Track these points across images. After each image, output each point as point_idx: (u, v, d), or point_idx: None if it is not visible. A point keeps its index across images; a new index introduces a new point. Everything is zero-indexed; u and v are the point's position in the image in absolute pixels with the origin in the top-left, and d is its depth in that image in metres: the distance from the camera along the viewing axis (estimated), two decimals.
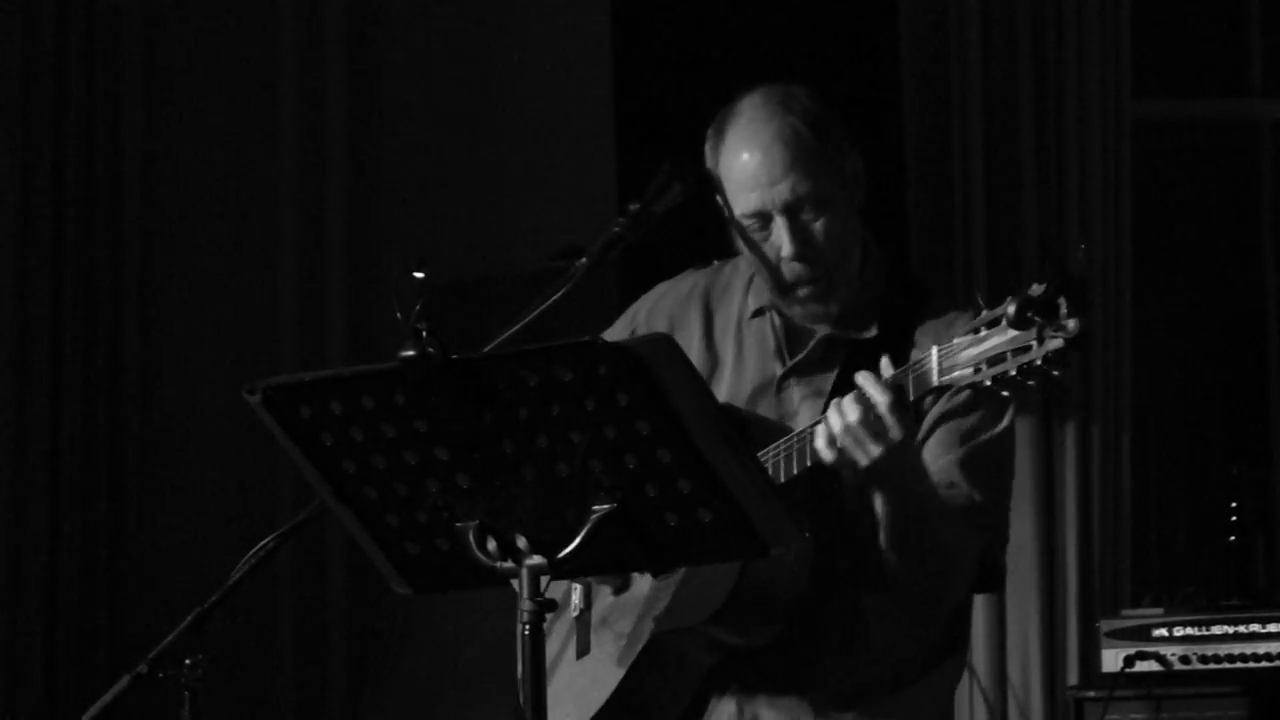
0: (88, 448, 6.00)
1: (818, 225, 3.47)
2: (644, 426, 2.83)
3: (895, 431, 3.21)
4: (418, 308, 2.83)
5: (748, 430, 3.45)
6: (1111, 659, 5.47)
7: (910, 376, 3.22)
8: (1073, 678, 5.95)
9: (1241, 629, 5.44)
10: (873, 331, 3.52)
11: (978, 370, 3.12)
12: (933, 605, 3.49)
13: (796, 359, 3.55)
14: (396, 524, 2.99)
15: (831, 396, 3.47)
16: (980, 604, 5.98)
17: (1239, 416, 6.59)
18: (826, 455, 3.25)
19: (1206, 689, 5.40)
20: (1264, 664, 5.42)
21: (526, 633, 2.90)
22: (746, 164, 3.47)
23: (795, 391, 3.54)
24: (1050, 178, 6.13)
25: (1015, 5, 6.15)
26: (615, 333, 3.70)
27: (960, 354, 3.15)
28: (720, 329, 3.65)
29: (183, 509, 6.08)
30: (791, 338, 3.58)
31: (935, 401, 3.42)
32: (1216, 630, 5.45)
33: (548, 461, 2.87)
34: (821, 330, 3.54)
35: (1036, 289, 3.03)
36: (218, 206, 6.17)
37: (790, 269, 3.48)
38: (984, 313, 3.14)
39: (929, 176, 6.16)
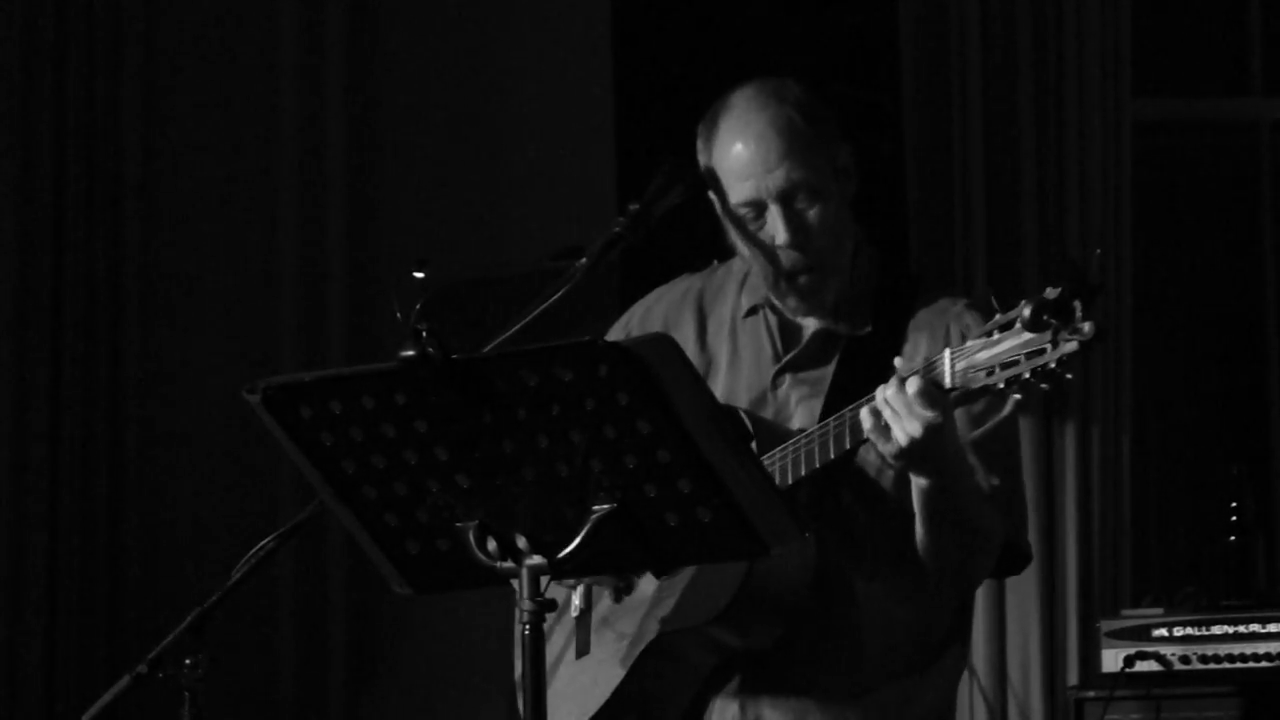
0: (88, 448, 6.00)
1: (812, 214, 3.48)
2: (644, 426, 2.83)
3: (919, 425, 3.19)
4: (418, 308, 2.83)
5: (752, 430, 3.45)
6: (1111, 659, 5.47)
7: (921, 377, 3.21)
8: (1073, 678, 5.94)
9: (1241, 629, 5.44)
10: (867, 327, 3.52)
11: (991, 373, 3.13)
12: (962, 585, 3.51)
13: (791, 354, 3.56)
14: (396, 524, 2.99)
15: (830, 392, 3.48)
16: (980, 604, 5.98)
17: (1239, 416, 6.59)
18: (867, 424, 3.23)
19: (1206, 689, 5.40)
20: (1264, 664, 5.42)
21: (526, 633, 2.90)
22: (740, 153, 3.48)
23: (790, 388, 3.55)
24: (1050, 177, 6.13)
25: (1015, 5, 6.14)
26: (610, 338, 3.70)
27: (973, 356, 3.15)
28: (714, 330, 3.66)
29: (183, 509, 6.08)
30: (785, 335, 3.58)
31: None
32: (1216, 630, 5.45)
33: (548, 461, 2.87)
34: (815, 324, 3.55)
35: (1051, 292, 3.03)
36: (218, 207, 6.17)
37: (785, 256, 3.49)
38: (997, 315, 3.14)
39: (929, 176, 6.16)
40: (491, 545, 2.92)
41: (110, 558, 6.01)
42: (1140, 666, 5.43)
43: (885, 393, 3.21)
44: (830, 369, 3.53)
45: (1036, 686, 6.01)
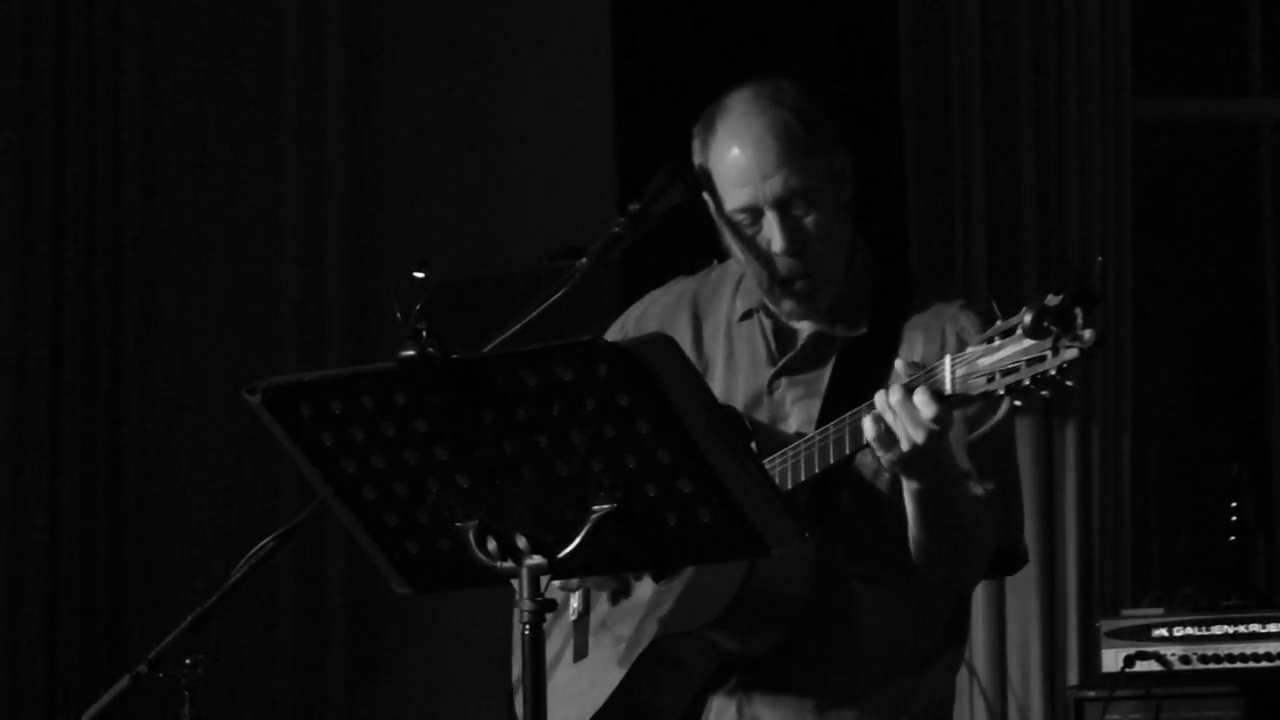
0: (88, 448, 6.00)
1: (809, 220, 3.47)
2: (644, 426, 2.83)
3: (922, 433, 3.19)
4: (418, 308, 2.83)
5: (753, 433, 3.45)
6: (1111, 659, 5.47)
7: (924, 384, 3.21)
8: (1073, 678, 5.94)
9: (1241, 629, 5.44)
10: (862, 329, 3.52)
11: (991, 379, 3.12)
12: (954, 587, 3.51)
13: (787, 358, 3.55)
14: (396, 524, 2.99)
15: (826, 395, 3.47)
16: (980, 604, 5.98)
17: (1239, 416, 6.59)
18: (870, 432, 3.23)
19: (1206, 689, 5.40)
20: (1264, 664, 5.41)
21: (526, 633, 2.90)
22: (738, 159, 3.47)
23: (786, 391, 3.54)
24: (1050, 178, 6.13)
25: (1015, 5, 6.14)
26: None
27: (974, 363, 3.14)
28: (709, 333, 3.65)
29: (183, 509, 6.08)
30: (781, 338, 3.57)
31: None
32: (1216, 630, 5.44)
33: (548, 461, 2.87)
34: (810, 327, 3.54)
35: (1053, 299, 3.02)
36: (218, 207, 6.17)
37: (781, 263, 3.48)
38: (998, 322, 3.13)
39: (929, 176, 6.16)
40: (491, 545, 2.92)
41: (110, 558, 6.01)
42: (1140, 666, 5.43)
43: (888, 400, 3.20)
44: (826, 371, 3.52)
45: (1036, 686, 6.01)
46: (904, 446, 3.19)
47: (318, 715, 6.06)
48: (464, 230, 6.16)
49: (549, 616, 2.94)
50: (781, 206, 3.45)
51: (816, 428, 3.41)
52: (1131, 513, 6.13)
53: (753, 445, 3.38)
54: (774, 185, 3.45)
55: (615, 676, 3.47)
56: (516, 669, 3.64)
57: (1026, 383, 3.08)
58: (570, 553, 2.88)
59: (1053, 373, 3.05)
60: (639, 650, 3.45)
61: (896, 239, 6.08)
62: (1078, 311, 3.01)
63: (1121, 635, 5.48)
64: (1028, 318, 3.05)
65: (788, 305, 3.54)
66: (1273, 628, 5.43)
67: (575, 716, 3.48)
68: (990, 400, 3.37)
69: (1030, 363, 3.07)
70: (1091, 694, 5.47)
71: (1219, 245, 6.66)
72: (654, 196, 3.53)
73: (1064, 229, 6.10)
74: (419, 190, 6.20)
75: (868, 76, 6.20)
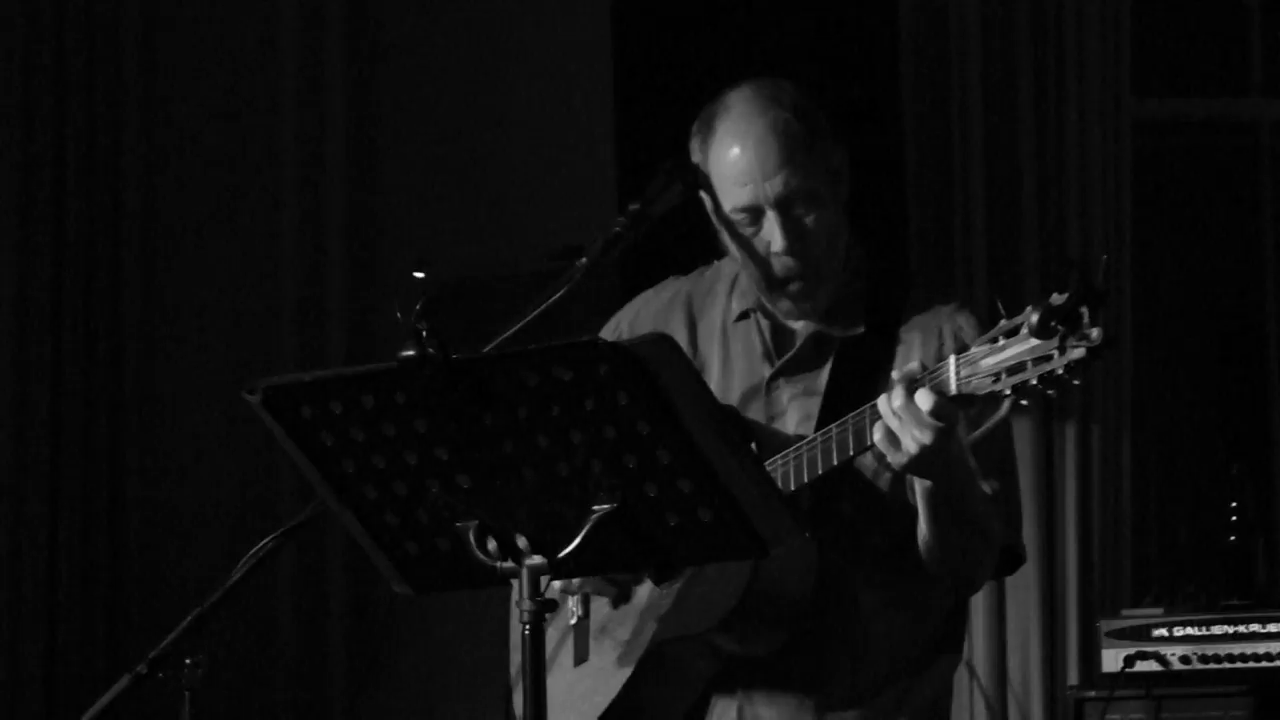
0: (88, 447, 6.00)
1: (809, 220, 3.46)
2: (644, 426, 2.82)
3: (929, 434, 3.18)
4: (418, 308, 2.83)
5: (753, 434, 3.45)
6: (1111, 659, 5.47)
7: (927, 385, 3.20)
8: (1073, 678, 5.95)
9: (1242, 629, 5.44)
10: (860, 328, 3.52)
11: (997, 379, 3.10)
12: (963, 588, 3.51)
13: (785, 358, 3.55)
14: (396, 524, 2.98)
15: (825, 395, 3.47)
16: (980, 604, 5.99)
17: (1239, 416, 6.59)
18: (877, 435, 3.22)
19: (1207, 689, 5.40)
20: (1264, 664, 5.42)
21: (527, 633, 2.90)
22: (739, 158, 3.46)
23: (784, 391, 3.54)
24: (1050, 178, 6.13)
25: (1015, 5, 6.15)
26: None
27: (979, 363, 3.13)
28: (705, 334, 3.64)
29: (183, 509, 6.08)
30: (778, 338, 3.57)
31: None
32: (1216, 630, 5.45)
33: (548, 461, 2.87)
34: (808, 327, 3.54)
35: (1058, 298, 3.00)
36: (218, 206, 6.17)
37: (780, 263, 3.48)
38: (1002, 321, 3.12)
39: (929, 176, 6.16)
40: (491, 545, 2.91)
41: (110, 558, 6.01)
42: (1140, 666, 5.44)
43: (892, 403, 3.19)
44: (825, 371, 3.51)
45: (1036, 686, 6.02)
46: (913, 449, 3.18)
47: (318, 715, 6.06)
48: (464, 230, 6.16)
49: (547, 616, 2.94)
50: (783, 206, 3.45)
51: (816, 427, 3.40)
52: (1131, 513, 6.13)
53: (753, 446, 3.38)
54: (775, 185, 3.44)
55: (617, 681, 3.47)
56: (514, 666, 3.64)
57: (1033, 382, 3.06)
58: (570, 553, 2.88)
59: (1060, 372, 3.03)
60: (641, 654, 3.44)
61: (896, 239, 6.09)
62: (1084, 310, 2.99)
63: (1121, 635, 5.49)
64: (1034, 317, 3.03)
65: (785, 305, 3.53)
66: (1273, 628, 5.43)
67: None
68: (991, 400, 3.37)
69: (1036, 362, 3.05)
70: (1091, 694, 5.48)
71: (1219, 245, 6.66)
72: (654, 196, 3.52)
73: (1064, 229, 6.10)
74: (419, 190, 6.20)
75: (868, 76, 6.20)
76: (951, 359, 3.16)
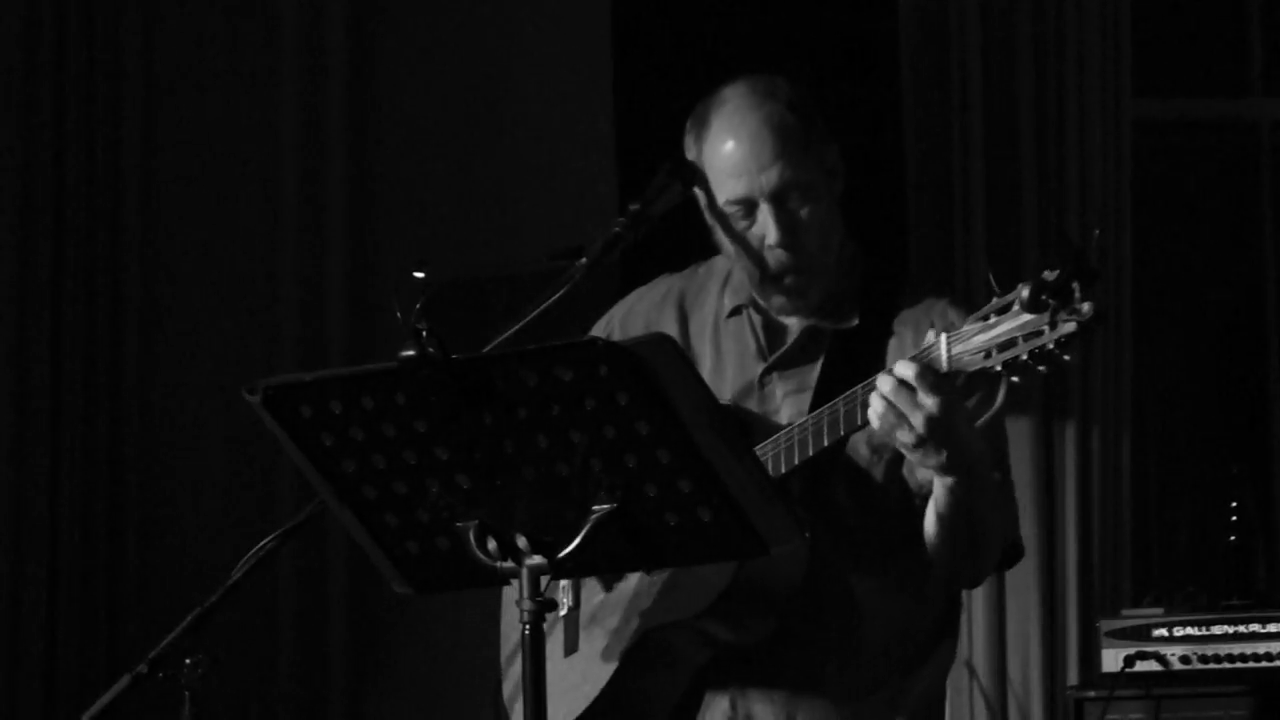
0: (88, 448, 6.00)
1: (803, 213, 3.47)
2: (644, 426, 2.83)
3: (931, 403, 3.17)
4: (418, 308, 2.83)
5: (748, 429, 3.45)
6: (1111, 659, 5.47)
7: (919, 361, 3.19)
8: (1073, 678, 5.94)
9: (1242, 629, 5.44)
10: (854, 321, 3.52)
11: (988, 355, 3.10)
12: (966, 582, 3.51)
13: (778, 353, 3.55)
14: (396, 524, 2.99)
15: (818, 389, 3.47)
16: (980, 604, 5.99)
17: (1239, 416, 6.59)
18: (881, 421, 3.21)
19: (1207, 689, 5.40)
20: (1264, 664, 5.42)
21: (527, 633, 2.89)
22: (733, 151, 3.46)
23: (777, 387, 3.54)
24: (1050, 178, 6.13)
25: (1015, 5, 6.15)
26: None
27: (969, 340, 3.12)
28: (697, 331, 3.65)
29: (183, 509, 6.08)
30: (770, 334, 3.57)
31: None
32: (1217, 630, 5.45)
33: (548, 461, 2.87)
34: (801, 322, 3.54)
35: (1050, 274, 3.00)
36: (218, 206, 6.17)
37: (774, 256, 3.48)
38: (994, 299, 3.11)
39: (929, 176, 6.16)
40: (491, 545, 2.91)
41: (110, 558, 6.01)
42: (1140, 666, 5.43)
43: (884, 387, 3.18)
44: (817, 366, 3.51)
45: (1036, 686, 6.01)
46: (920, 428, 3.16)
47: (318, 715, 6.06)
48: (464, 230, 6.16)
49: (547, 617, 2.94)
50: (777, 199, 3.45)
51: None
52: (1131, 513, 6.13)
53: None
54: (770, 177, 3.45)
55: (607, 669, 3.46)
56: (504, 653, 3.65)
57: (1024, 358, 3.05)
58: (570, 553, 2.88)
59: (1050, 346, 3.02)
60: (630, 641, 3.44)
61: (896, 238, 6.09)
62: (1075, 285, 2.99)
63: (1121, 635, 5.49)
64: (1025, 292, 3.02)
65: (778, 300, 3.53)
66: (1273, 628, 5.43)
67: (567, 712, 3.48)
68: (988, 391, 3.36)
69: (1027, 337, 3.04)
70: (1091, 694, 5.47)
71: (1219, 245, 6.66)
72: (654, 196, 3.53)
73: (1064, 229, 6.09)
74: (419, 190, 6.20)
75: (868, 76, 6.20)
76: (942, 336, 3.15)
